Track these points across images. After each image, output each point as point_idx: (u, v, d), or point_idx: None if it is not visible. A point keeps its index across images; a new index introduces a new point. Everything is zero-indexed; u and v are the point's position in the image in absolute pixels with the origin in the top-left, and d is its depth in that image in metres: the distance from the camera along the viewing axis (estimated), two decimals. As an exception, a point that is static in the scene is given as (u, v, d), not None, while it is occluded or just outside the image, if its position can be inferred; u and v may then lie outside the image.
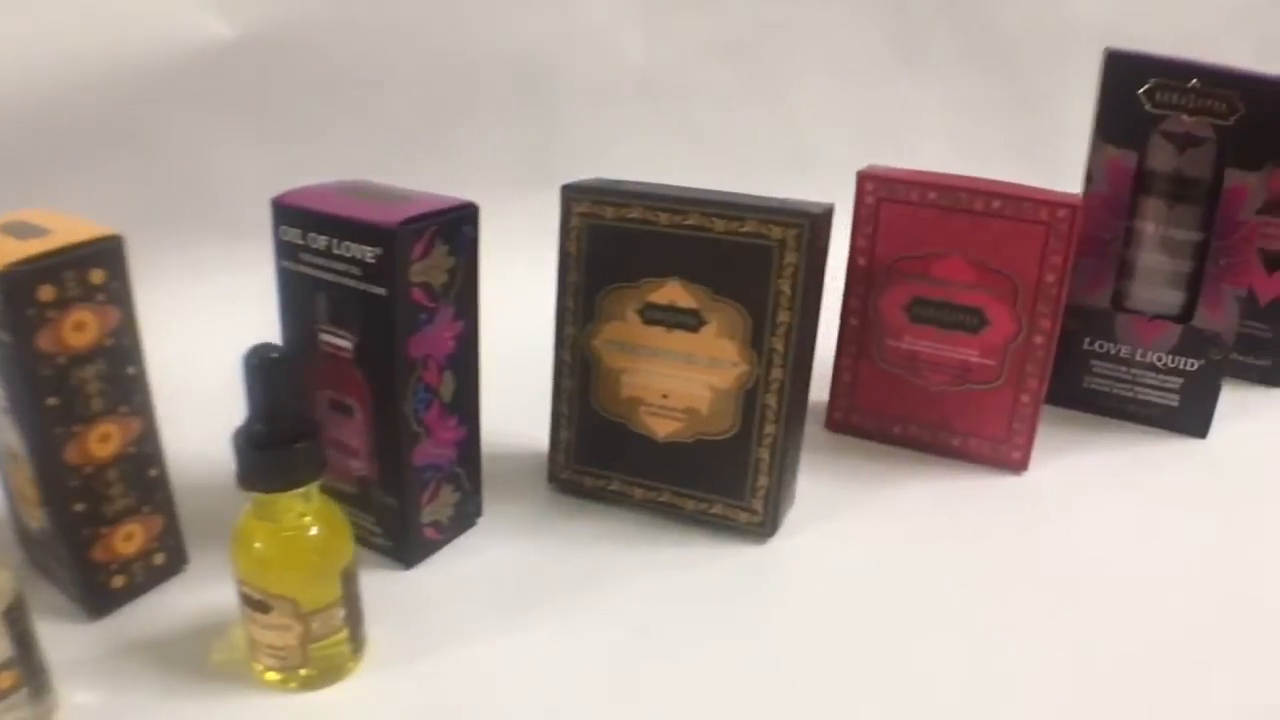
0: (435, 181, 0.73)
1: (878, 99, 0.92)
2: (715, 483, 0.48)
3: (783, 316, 0.45)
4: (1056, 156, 0.77)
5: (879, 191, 0.53)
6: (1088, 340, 0.62)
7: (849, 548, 0.48)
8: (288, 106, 0.70)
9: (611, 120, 0.79)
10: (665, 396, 0.48)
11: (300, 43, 0.69)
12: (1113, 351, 0.61)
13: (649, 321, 0.47)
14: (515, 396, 0.52)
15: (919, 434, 0.56)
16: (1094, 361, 0.62)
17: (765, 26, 0.86)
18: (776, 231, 0.44)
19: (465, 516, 0.48)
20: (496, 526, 0.49)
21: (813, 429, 0.57)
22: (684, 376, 0.47)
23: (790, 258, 0.44)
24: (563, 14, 0.76)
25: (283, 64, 0.69)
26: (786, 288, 0.45)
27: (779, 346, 0.45)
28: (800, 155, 0.83)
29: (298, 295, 0.44)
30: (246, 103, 0.69)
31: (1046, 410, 0.64)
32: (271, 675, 0.38)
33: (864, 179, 0.54)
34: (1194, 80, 0.57)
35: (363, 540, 0.45)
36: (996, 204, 0.52)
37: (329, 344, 0.43)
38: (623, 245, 0.47)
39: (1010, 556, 0.48)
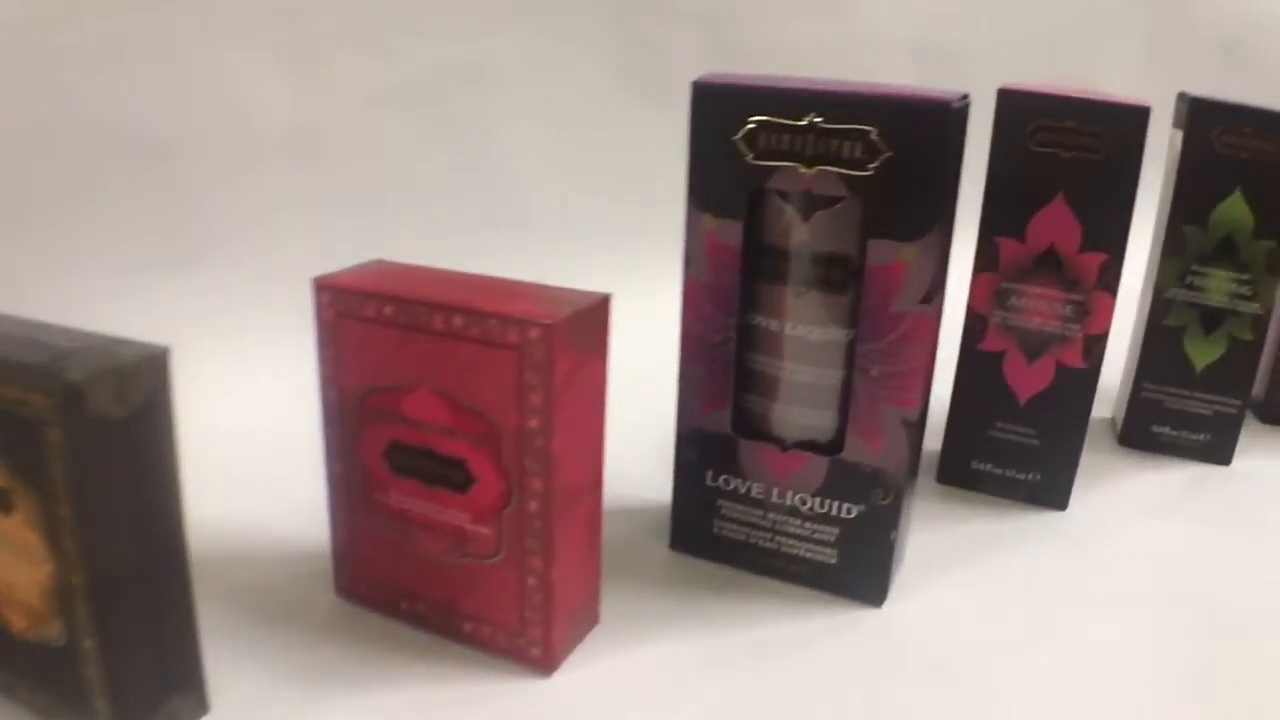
0: (61, 270, 0.65)
1: (606, 140, 0.75)
2: (65, 698, 0.38)
3: (63, 510, 0.34)
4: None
5: (337, 305, 0.41)
6: (711, 474, 0.45)
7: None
8: None
9: (259, 188, 0.67)
10: (11, 587, 0.38)
11: None
12: (742, 490, 0.45)
13: (-28, 501, 0.38)
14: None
15: (428, 614, 0.43)
16: (722, 502, 0.46)
17: (445, 69, 0.71)
18: (36, 399, 0.33)
19: None
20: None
21: (324, 595, 0.46)
22: (14, 568, 0.38)
23: (55, 434, 0.33)
24: (177, 73, 0.64)
25: None
26: (59, 473, 0.34)
27: (69, 547, 0.35)
28: (508, 210, 0.68)
29: None
30: None
31: (677, 561, 0.49)
32: None
33: (320, 287, 0.41)
34: (811, 115, 0.40)
35: None
36: (459, 322, 0.38)
37: None
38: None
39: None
